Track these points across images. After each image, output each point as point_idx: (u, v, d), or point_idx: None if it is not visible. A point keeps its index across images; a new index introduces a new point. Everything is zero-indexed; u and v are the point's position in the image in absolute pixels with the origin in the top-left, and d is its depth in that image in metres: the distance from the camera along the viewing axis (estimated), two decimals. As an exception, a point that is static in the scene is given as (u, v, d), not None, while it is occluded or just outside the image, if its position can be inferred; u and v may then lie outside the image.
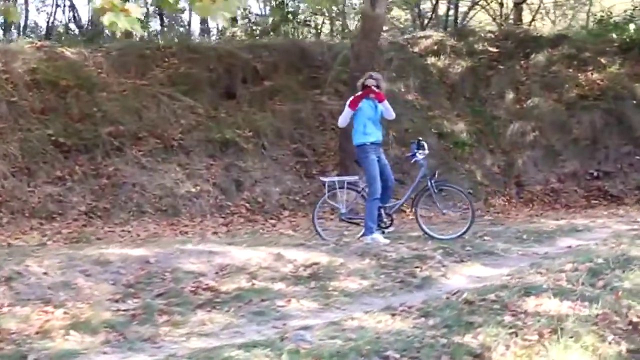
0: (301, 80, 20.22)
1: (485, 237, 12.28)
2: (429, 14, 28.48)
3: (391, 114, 12.26)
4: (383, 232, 12.03)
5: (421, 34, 24.55)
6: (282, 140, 18.92)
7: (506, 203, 19.11)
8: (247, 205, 17.28)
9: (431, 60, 22.59)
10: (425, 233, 12.26)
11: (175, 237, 14.91)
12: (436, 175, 12.55)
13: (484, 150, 20.50)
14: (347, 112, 12.02)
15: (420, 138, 12.82)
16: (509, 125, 21.01)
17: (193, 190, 17.18)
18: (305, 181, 18.34)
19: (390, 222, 12.34)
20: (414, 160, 12.59)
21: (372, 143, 11.92)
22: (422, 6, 28.95)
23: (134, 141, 17.58)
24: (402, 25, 29.45)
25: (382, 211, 12.13)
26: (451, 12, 28.55)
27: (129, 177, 17.02)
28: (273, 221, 16.69)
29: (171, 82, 18.89)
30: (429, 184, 12.31)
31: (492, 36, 24.11)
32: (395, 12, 29.94)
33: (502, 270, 9.80)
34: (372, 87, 12.00)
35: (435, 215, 14.37)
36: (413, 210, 12.88)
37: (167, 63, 19.34)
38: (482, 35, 24.22)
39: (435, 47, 23.08)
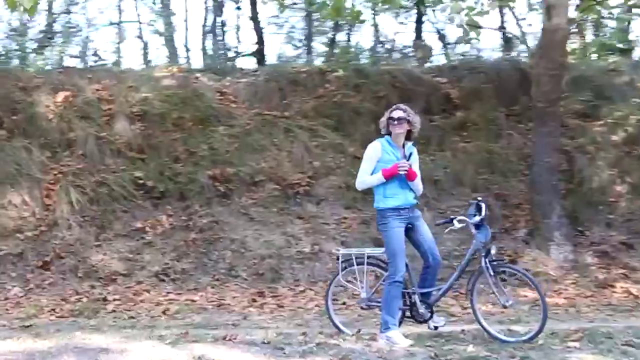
0: (516, 110, 15.66)
1: (571, 343, 8.74)
2: None
3: (421, 189, 9.35)
4: (431, 327, 9.30)
5: None
6: (459, 187, 14.91)
7: None
8: (380, 272, 12.99)
9: None
10: (486, 331, 9.17)
11: (237, 310, 12.03)
12: (493, 252, 9.04)
13: None
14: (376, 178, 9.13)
15: (480, 198, 9.45)
16: None
17: (308, 250, 13.53)
18: (480, 242, 13.72)
19: (429, 314, 9.33)
20: (449, 229, 9.42)
21: (396, 208, 9.01)
22: None
23: (246, 187, 14.57)
24: None
25: (417, 299, 9.29)
26: None
27: (228, 232, 14.01)
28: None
29: (318, 113, 15.48)
30: (483, 263, 8.98)
31: None
32: None
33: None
34: (397, 119, 9.00)
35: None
36: (468, 298, 9.48)
37: (324, 90, 15.75)
38: None
39: None
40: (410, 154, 9.10)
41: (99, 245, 13.70)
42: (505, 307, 9.17)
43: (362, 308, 9.91)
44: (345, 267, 9.73)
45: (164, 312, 11.89)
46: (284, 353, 8.23)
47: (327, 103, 15.55)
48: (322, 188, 14.42)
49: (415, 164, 9.15)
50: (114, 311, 12.03)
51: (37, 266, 13.39)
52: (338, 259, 9.84)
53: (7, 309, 12.19)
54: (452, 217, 9.23)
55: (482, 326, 9.16)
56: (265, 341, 8.78)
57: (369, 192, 14.05)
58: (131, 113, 15.20)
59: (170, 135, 14.98)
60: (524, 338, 8.82)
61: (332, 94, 15.68)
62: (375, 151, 9.04)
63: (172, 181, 14.37)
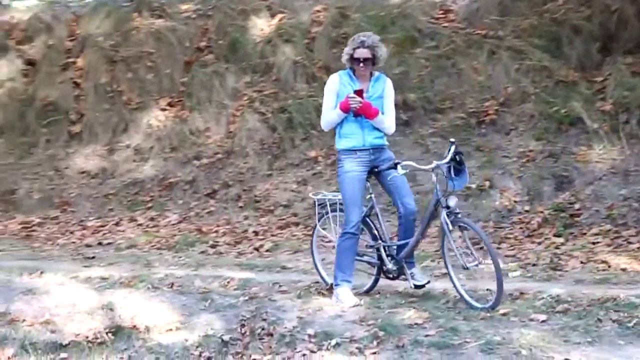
0: None
1: (539, 315, 7.47)
2: None
3: (389, 128, 8.47)
4: (412, 285, 8.36)
5: None
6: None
7: None
8: (549, 213, 11.45)
9: None
10: (459, 294, 8.11)
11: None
12: (451, 204, 7.91)
13: None
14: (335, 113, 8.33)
15: (453, 140, 8.28)
16: None
17: (475, 185, 12.05)
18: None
19: (397, 271, 8.46)
20: (392, 176, 8.11)
21: (351, 149, 8.28)
22: None
23: (430, 115, 13.36)
24: None
25: (383, 253, 8.49)
26: None
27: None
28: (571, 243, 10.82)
29: (532, 32, 13.55)
30: (442, 216, 7.94)
31: None
32: None
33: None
34: (363, 61, 8.19)
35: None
36: (442, 256, 8.39)
37: (551, 4, 13.78)
38: None
39: None
40: (379, 91, 8.29)
41: (269, 175, 13.53)
42: (465, 268, 7.80)
43: None
44: (322, 216, 8.93)
45: (256, 249, 11.58)
46: (205, 305, 8.08)
47: (545, 20, 13.64)
48: (513, 116, 12.77)
49: (387, 98, 8.37)
50: (214, 245, 11.96)
51: (205, 194, 13.52)
52: (314, 203, 9.07)
53: (123, 237, 12.64)
54: (396, 161, 7.97)
55: (456, 289, 8.08)
56: (200, 291, 8.56)
57: (563, 123, 12.50)
58: (337, 35, 14.54)
59: (365, 58, 14.11)
60: (486, 305, 7.72)
61: (557, 10, 13.69)
62: (333, 84, 8.34)
63: (357, 108, 13.59)
